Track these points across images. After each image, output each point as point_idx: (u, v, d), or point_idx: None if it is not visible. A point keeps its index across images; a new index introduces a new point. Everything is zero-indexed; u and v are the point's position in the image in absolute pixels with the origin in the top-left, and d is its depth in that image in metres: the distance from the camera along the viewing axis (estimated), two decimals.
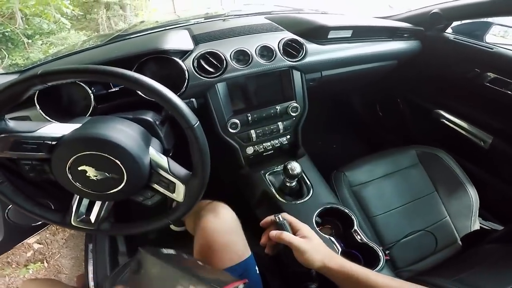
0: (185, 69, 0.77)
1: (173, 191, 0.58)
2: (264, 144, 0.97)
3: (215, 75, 0.82)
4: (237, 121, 0.88)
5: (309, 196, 0.86)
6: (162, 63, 0.78)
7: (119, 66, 0.49)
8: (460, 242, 0.95)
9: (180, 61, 0.77)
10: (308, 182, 0.90)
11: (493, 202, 1.06)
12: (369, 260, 0.72)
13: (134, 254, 0.56)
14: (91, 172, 0.52)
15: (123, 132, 0.53)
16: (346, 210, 0.82)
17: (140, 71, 0.74)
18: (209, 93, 0.83)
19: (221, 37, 0.89)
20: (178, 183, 0.57)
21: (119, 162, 0.51)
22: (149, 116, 0.65)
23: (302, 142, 1.02)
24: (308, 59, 0.93)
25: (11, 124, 0.51)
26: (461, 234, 0.95)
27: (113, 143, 0.50)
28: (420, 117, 1.37)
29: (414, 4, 1.25)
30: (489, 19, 1.09)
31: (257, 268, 0.71)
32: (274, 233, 0.58)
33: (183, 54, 0.81)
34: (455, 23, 1.13)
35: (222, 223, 0.70)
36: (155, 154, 0.57)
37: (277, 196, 0.86)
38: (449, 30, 1.15)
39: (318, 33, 0.97)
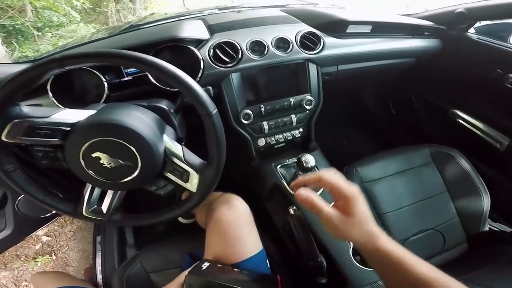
0: (201, 58, 0.76)
1: (186, 181, 0.57)
2: (276, 136, 0.95)
3: (231, 65, 0.80)
4: (250, 112, 0.87)
5: (321, 190, 0.84)
6: (177, 52, 0.77)
7: None
8: (467, 243, 0.94)
9: (196, 50, 0.76)
10: None
11: (505, 204, 1.04)
12: None
13: (142, 246, 0.54)
14: (105, 159, 0.51)
15: (139, 119, 0.53)
16: None
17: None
18: (223, 83, 0.82)
19: (237, 28, 0.88)
20: (192, 172, 0.56)
21: (134, 149, 0.50)
22: (164, 104, 0.64)
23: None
24: (325, 52, 0.91)
25: (25, 109, 0.50)
26: (469, 234, 0.94)
27: (128, 129, 0.49)
28: (435, 117, 1.34)
29: (430, 4, 1.23)
30: None
31: (267, 262, 0.70)
32: (302, 192, 0.46)
33: (199, 43, 0.80)
34: (477, 24, 1.11)
35: (237, 215, 0.69)
36: (169, 142, 0.56)
37: (289, 189, 0.86)
38: (472, 30, 1.12)
39: (337, 27, 0.95)
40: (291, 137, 0.98)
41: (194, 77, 0.75)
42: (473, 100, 1.16)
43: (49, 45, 3.36)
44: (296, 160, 0.79)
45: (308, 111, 0.95)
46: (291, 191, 0.85)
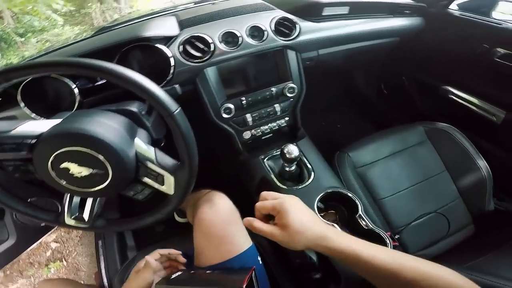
0: (170, 55, 0.74)
1: (162, 183, 0.55)
2: (261, 127, 0.94)
3: (203, 59, 0.78)
4: (231, 105, 0.85)
5: (310, 181, 0.82)
6: (147, 51, 0.75)
7: (100, 58, 0.46)
8: (473, 225, 0.91)
9: (164, 48, 0.74)
10: (309, 166, 0.86)
11: (508, 180, 1.01)
12: None
13: (143, 247, 0.54)
14: (74, 169, 0.50)
15: (104, 125, 0.51)
16: (350, 194, 0.78)
17: (123, 61, 0.72)
18: (198, 78, 0.80)
19: (209, 20, 0.85)
20: (167, 174, 0.54)
21: (101, 157, 0.49)
22: (133, 107, 0.62)
23: (304, 123, 0.99)
24: (302, 37, 0.88)
25: None
26: (474, 216, 0.91)
27: (92, 137, 0.48)
28: (426, 94, 1.31)
29: None
30: None
31: (259, 258, 0.68)
32: (245, 220, 0.52)
33: (168, 40, 0.78)
34: (461, 0, 1.09)
35: (219, 214, 0.67)
36: (141, 145, 0.54)
37: (277, 182, 0.84)
38: (454, 6, 1.11)
39: (312, 11, 0.92)
40: (277, 127, 0.96)
41: (165, 76, 0.74)
42: (463, 75, 1.13)
43: (35, 50, 3.33)
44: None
45: (292, 99, 0.93)
46: (279, 184, 0.83)
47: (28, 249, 1.25)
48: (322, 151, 0.95)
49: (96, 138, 0.48)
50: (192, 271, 0.60)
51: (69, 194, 0.58)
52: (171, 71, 0.75)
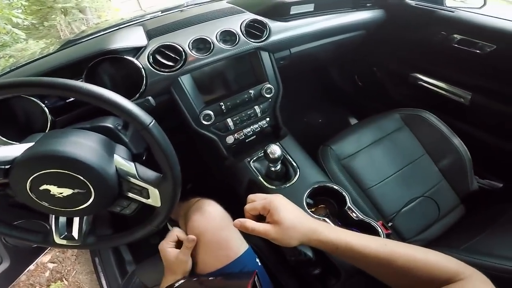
0: (141, 66, 0.73)
1: (147, 197, 0.55)
2: (244, 130, 0.93)
3: (175, 68, 0.77)
4: (210, 112, 0.84)
5: (296, 178, 0.83)
6: (117, 64, 0.73)
7: (67, 74, 0.44)
8: (462, 205, 0.94)
9: (133, 59, 0.72)
10: (294, 163, 0.87)
11: (486, 157, 1.05)
12: None
13: (141, 260, 0.52)
14: (54, 190, 0.48)
15: (79, 145, 0.49)
16: (336, 187, 0.79)
17: (92, 75, 0.69)
18: (173, 87, 0.79)
19: (177, 28, 0.84)
20: (151, 188, 0.54)
21: (81, 177, 0.47)
22: (108, 122, 0.61)
23: (286, 121, 0.99)
24: (273, 38, 0.89)
25: None
26: (461, 196, 0.94)
27: (68, 158, 0.46)
28: (398, 83, 1.35)
29: None
30: None
31: (258, 260, 0.68)
32: (236, 222, 0.52)
33: (137, 51, 0.76)
34: None
35: (211, 221, 0.67)
36: (121, 161, 0.53)
37: (264, 183, 0.84)
38: None
39: (280, 10, 0.93)
40: (259, 129, 0.96)
41: (139, 88, 0.73)
42: (429, 62, 1.18)
43: None
44: None
45: (270, 100, 0.93)
46: (267, 185, 0.83)
47: (25, 270, 1.22)
48: (307, 147, 0.96)
49: (73, 159, 0.46)
50: (195, 278, 0.60)
51: (53, 215, 0.57)
52: (144, 82, 0.73)
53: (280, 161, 0.78)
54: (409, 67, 1.25)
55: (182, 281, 0.56)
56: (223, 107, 0.86)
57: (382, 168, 0.95)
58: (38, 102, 0.65)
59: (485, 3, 1.00)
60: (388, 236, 0.71)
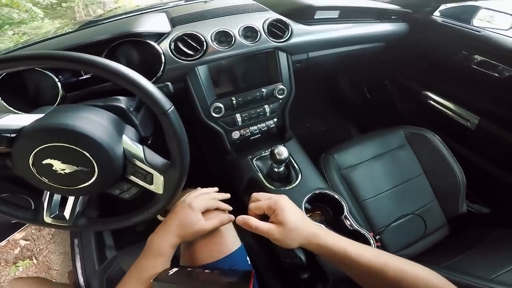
0: (161, 52, 0.72)
1: (150, 183, 0.54)
2: (250, 128, 0.94)
3: (195, 57, 0.77)
4: (220, 105, 0.84)
5: (297, 182, 0.83)
6: (137, 47, 0.73)
7: (89, 52, 0.44)
8: (448, 226, 0.95)
9: (155, 44, 0.72)
10: (297, 167, 0.87)
11: (480, 183, 1.07)
12: None
13: (123, 246, 0.52)
14: (57, 165, 0.47)
15: (90, 121, 0.49)
16: (336, 196, 0.80)
17: (111, 56, 0.69)
18: (189, 76, 0.79)
19: (201, 19, 0.84)
20: (156, 173, 0.53)
21: (87, 153, 0.46)
22: (121, 103, 0.60)
23: (289, 124, 1.00)
24: (294, 40, 0.89)
25: None
26: (449, 217, 0.95)
27: (78, 133, 0.45)
28: (408, 99, 1.36)
29: None
30: (477, 3, 1.08)
31: (248, 258, 0.68)
32: (239, 218, 0.52)
33: (159, 37, 0.76)
34: (442, 7, 1.13)
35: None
36: (129, 143, 0.52)
37: (265, 182, 0.84)
38: (437, 13, 1.15)
39: (305, 13, 0.93)
40: (266, 128, 0.96)
41: (155, 73, 0.72)
42: (443, 81, 1.18)
43: (10, 43, 3.16)
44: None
45: (281, 101, 0.93)
46: (268, 184, 0.84)
47: None
48: (307, 153, 0.97)
49: (83, 135, 0.45)
50: (189, 269, 0.59)
51: (48, 192, 0.55)
52: (162, 68, 0.73)
53: (284, 163, 0.78)
54: (422, 84, 1.26)
55: (174, 269, 0.56)
56: (234, 101, 0.86)
57: (379, 182, 0.96)
58: (53, 76, 0.64)
59: None
60: (378, 248, 0.72)
